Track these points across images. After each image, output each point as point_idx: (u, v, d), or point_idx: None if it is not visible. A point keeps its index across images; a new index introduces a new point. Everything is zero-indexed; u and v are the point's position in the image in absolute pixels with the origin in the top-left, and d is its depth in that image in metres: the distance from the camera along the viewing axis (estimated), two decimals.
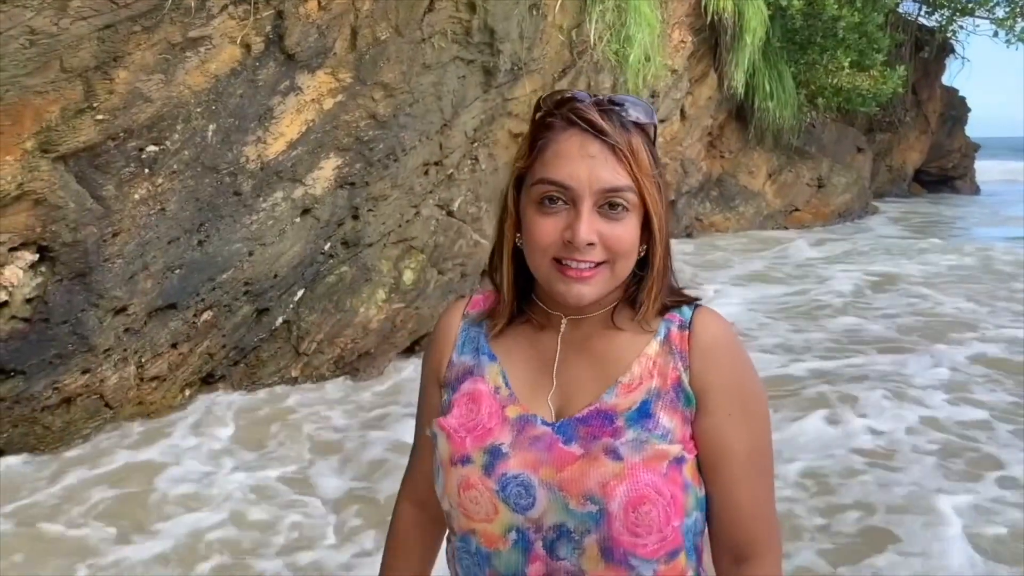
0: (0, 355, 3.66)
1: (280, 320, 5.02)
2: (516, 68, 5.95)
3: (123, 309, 4.03)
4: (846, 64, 13.63)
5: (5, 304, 3.60)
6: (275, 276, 4.84)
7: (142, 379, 4.33)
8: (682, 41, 9.96)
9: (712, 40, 11.08)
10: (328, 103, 4.77)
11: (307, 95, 4.63)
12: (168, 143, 3.95)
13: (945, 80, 20.97)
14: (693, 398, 1.14)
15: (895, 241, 12.65)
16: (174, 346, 4.43)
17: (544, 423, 1.15)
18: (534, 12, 5.96)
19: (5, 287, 3.58)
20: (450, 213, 5.91)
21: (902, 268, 10.07)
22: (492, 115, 5.97)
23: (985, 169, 25.32)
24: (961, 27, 18.92)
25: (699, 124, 11.69)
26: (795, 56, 13.46)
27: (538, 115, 1.17)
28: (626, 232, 1.12)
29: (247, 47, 4.15)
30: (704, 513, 1.18)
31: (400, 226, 5.61)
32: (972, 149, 23.39)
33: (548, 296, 1.19)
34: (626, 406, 1.13)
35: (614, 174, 1.10)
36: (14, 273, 3.59)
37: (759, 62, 11.96)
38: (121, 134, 3.73)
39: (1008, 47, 17.25)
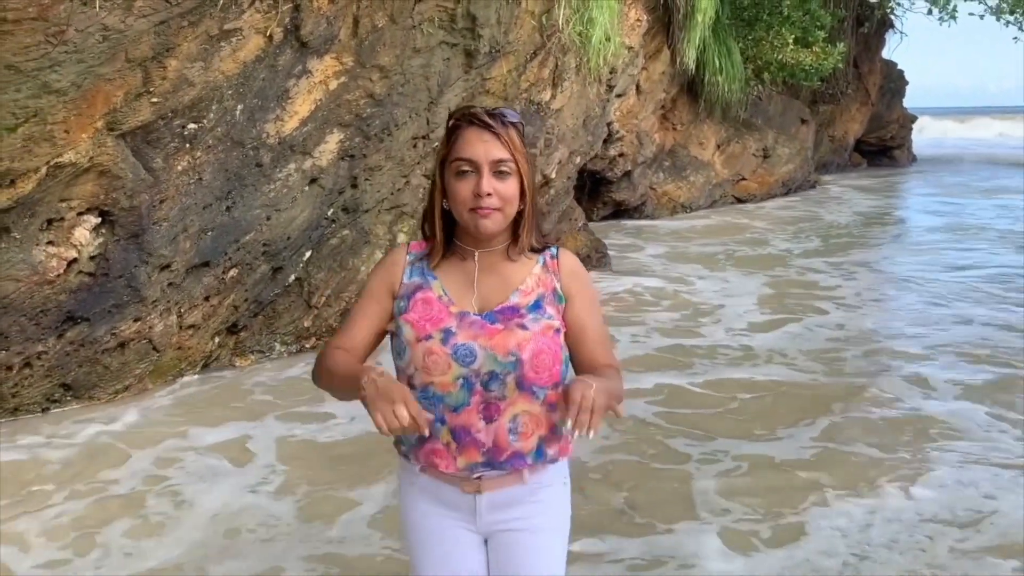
0: (70, 304, 4.28)
1: (292, 277, 5.67)
2: (494, 51, 6.60)
3: (167, 266, 4.66)
4: (790, 40, 14.32)
5: (75, 261, 4.22)
6: (288, 238, 5.47)
7: (181, 327, 4.97)
8: (638, 20, 10.54)
9: (665, 18, 11.67)
10: (333, 84, 5.38)
11: (316, 77, 5.24)
12: (205, 121, 4.56)
13: (884, 54, 21.94)
14: (563, 298, 1.84)
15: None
16: (207, 299, 5.06)
17: (475, 315, 1.79)
18: None
19: (75, 246, 4.19)
20: None
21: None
22: (472, 93, 6.62)
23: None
24: (899, 3, 19.87)
25: (653, 98, 12.35)
26: (743, 33, 14.09)
27: (451, 122, 1.80)
28: (510, 188, 1.76)
29: (270, 37, 4.75)
30: (566, 366, 1.83)
31: (392, 194, 6.26)
32: (910, 120, 24.49)
33: (466, 236, 1.82)
34: (526, 303, 1.80)
35: (500, 151, 1.74)
36: (82, 234, 4.21)
37: (709, 39, 12.55)
38: (169, 114, 4.33)
39: (941, 24, 18.19)
